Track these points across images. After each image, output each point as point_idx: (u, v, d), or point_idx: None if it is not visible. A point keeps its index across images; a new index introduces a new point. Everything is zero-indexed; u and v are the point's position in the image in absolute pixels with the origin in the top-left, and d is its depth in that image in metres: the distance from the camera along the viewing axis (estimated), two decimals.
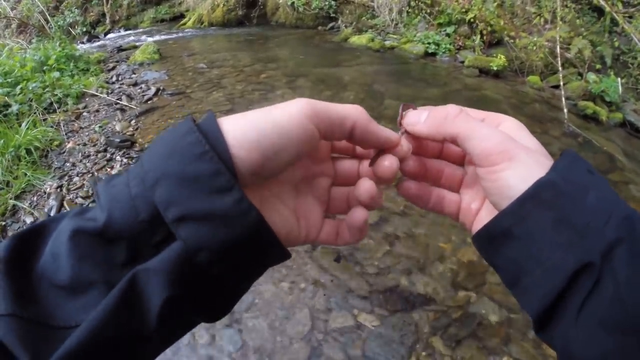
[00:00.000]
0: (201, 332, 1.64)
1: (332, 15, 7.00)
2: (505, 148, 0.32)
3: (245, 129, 0.30)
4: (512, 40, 4.90)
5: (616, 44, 4.42)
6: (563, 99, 3.65)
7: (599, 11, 4.71)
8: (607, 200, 0.28)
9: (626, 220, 0.27)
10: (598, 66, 4.28)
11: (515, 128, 0.35)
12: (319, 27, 7.09)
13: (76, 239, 0.28)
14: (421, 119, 0.37)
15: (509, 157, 0.31)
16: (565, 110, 3.57)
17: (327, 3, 6.96)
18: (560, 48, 4.16)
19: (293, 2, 7.21)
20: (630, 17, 4.44)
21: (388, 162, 0.36)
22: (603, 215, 0.27)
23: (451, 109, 0.35)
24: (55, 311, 0.27)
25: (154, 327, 0.28)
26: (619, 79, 4.09)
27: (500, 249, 0.32)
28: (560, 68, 3.98)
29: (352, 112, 0.34)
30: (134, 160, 2.94)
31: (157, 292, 0.27)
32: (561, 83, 3.83)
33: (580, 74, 4.23)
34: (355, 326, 1.65)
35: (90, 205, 2.49)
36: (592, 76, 4.06)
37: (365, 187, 0.36)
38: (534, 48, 4.46)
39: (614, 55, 4.39)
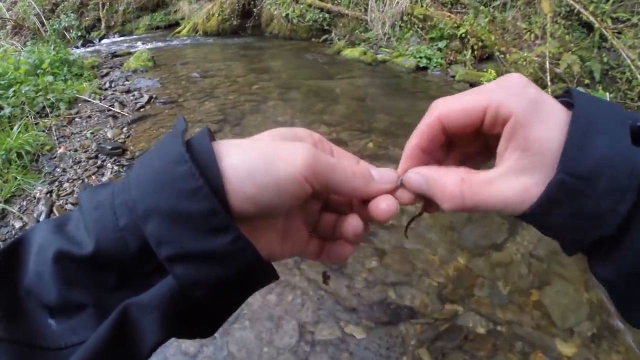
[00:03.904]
0: (188, 342, 1.63)
1: (326, 27, 7.04)
2: (519, 199, 0.31)
3: (244, 184, 0.28)
4: (502, 56, 4.95)
5: (605, 59, 4.42)
6: None
7: (589, 27, 4.74)
8: (619, 176, 0.28)
9: None
10: (587, 81, 4.29)
11: (524, 113, 0.30)
12: (313, 39, 7.12)
13: (61, 262, 0.27)
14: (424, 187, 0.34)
15: (526, 199, 0.31)
16: None
17: (321, 15, 7.01)
18: (550, 63, 4.23)
19: (287, 14, 7.25)
20: (619, 32, 4.48)
21: (385, 204, 0.34)
22: (615, 195, 0.28)
23: (449, 180, 0.32)
24: (44, 332, 0.27)
25: (144, 357, 0.28)
26: (607, 93, 4.12)
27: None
28: (549, 83, 4.03)
29: (352, 184, 0.33)
30: (124, 168, 2.93)
31: (151, 331, 0.27)
32: None
33: None
34: (342, 338, 1.66)
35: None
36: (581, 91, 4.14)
37: (352, 224, 0.35)
38: (524, 63, 4.49)
39: (602, 70, 4.40)
